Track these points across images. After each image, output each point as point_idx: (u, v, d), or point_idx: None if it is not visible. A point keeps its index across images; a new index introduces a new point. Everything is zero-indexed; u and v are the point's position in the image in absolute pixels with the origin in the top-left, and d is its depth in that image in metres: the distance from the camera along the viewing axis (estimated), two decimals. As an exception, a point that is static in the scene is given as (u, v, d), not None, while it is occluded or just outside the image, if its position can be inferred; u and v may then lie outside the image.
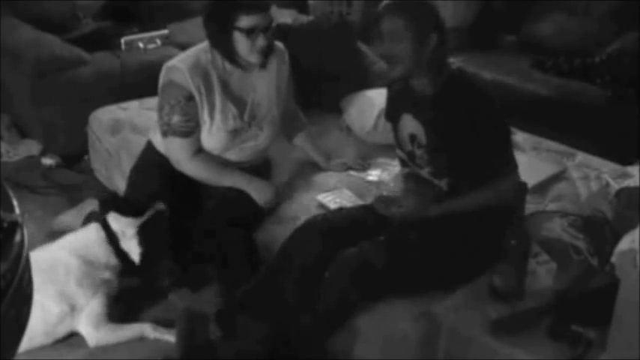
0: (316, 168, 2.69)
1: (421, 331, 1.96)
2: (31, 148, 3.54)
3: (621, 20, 3.81)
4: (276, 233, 2.30)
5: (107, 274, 2.28)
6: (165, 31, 3.80)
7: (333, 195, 2.47)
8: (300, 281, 2.06)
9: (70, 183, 3.28)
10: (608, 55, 3.62)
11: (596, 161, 2.78)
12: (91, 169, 3.22)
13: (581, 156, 2.83)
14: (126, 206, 2.35)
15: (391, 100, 2.24)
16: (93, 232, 2.31)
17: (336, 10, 3.81)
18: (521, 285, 1.88)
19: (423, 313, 1.96)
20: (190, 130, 2.35)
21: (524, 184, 2.08)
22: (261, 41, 2.27)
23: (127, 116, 3.07)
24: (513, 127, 2.14)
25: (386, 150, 2.70)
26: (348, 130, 3.01)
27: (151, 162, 2.53)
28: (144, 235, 2.30)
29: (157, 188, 2.47)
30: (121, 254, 2.29)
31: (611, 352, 1.62)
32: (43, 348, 2.20)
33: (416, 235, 2.05)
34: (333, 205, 2.39)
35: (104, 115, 3.11)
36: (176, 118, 2.33)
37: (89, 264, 2.25)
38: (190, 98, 2.31)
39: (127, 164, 2.68)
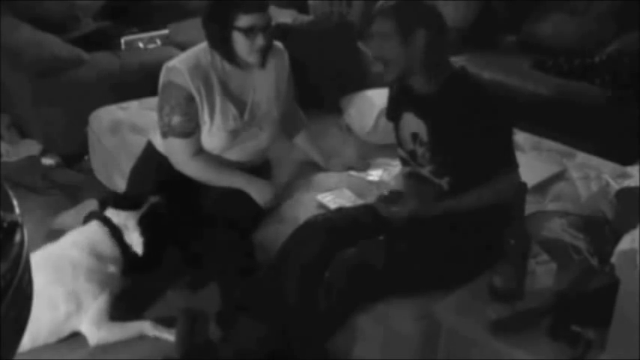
0: (316, 168, 2.69)
1: (421, 331, 1.96)
2: (31, 148, 3.54)
3: (621, 20, 3.81)
4: (276, 233, 2.30)
5: (113, 269, 2.29)
6: (165, 31, 3.80)
7: (333, 195, 2.47)
8: (301, 281, 2.06)
9: (70, 183, 3.28)
10: (608, 55, 3.62)
11: (596, 161, 2.78)
12: (91, 169, 3.22)
13: (581, 156, 2.83)
14: (123, 201, 2.39)
15: (392, 99, 2.24)
16: (96, 228, 2.33)
17: (336, 10, 3.80)
18: (521, 285, 1.88)
19: (423, 313, 1.96)
20: (190, 130, 2.35)
21: (524, 184, 2.08)
22: (260, 41, 2.27)
23: (127, 116, 3.07)
24: (514, 127, 2.14)
25: (386, 150, 2.71)
26: (348, 130, 3.01)
27: (151, 162, 2.53)
28: (144, 226, 2.32)
29: (156, 188, 2.47)
30: (125, 247, 2.31)
31: (611, 352, 1.62)
32: (45, 347, 2.20)
33: (416, 235, 2.06)
34: (333, 205, 2.39)
35: (104, 115, 3.11)
36: (176, 119, 2.33)
37: (97, 257, 2.27)
38: (190, 99, 2.31)
39: (127, 164, 2.68)
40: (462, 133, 1.95)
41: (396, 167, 2.43)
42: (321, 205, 2.43)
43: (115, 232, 2.31)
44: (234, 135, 2.40)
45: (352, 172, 2.66)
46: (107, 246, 2.30)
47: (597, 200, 2.32)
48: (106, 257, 2.29)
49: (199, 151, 2.40)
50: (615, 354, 1.60)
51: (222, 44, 2.30)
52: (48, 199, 3.14)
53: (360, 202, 2.40)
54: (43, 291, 2.11)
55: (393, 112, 2.21)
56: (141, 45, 3.68)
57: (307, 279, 2.06)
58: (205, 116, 2.35)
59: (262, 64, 2.38)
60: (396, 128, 2.19)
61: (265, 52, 2.34)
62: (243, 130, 2.41)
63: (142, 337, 2.27)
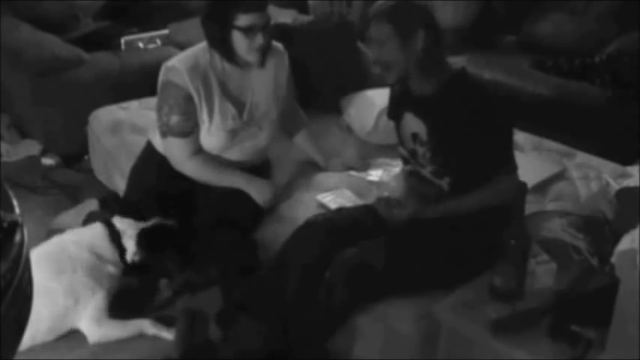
0: (316, 168, 2.69)
1: (421, 331, 1.96)
2: (31, 148, 3.54)
3: (621, 20, 3.81)
4: (276, 233, 2.30)
5: (112, 269, 2.30)
6: (165, 31, 3.80)
7: (333, 195, 2.47)
8: (300, 281, 2.06)
9: (70, 183, 3.28)
10: (608, 55, 3.62)
11: (596, 161, 2.78)
12: (91, 169, 3.22)
13: (581, 156, 2.83)
14: (129, 209, 2.40)
15: (393, 99, 2.24)
16: (98, 229, 2.35)
17: (336, 10, 3.80)
18: (521, 285, 1.88)
19: (423, 313, 1.96)
20: (189, 130, 2.35)
21: (524, 184, 2.08)
22: (259, 40, 2.27)
23: (127, 116, 3.07)
24: (514, 127, 2.14)
25: (386, 150, 2.71)
26: (348, 130, 3.01)
27: (151, 162, 2.54)
28: (142, 239, 2.33)
29: (156, 188, 2.48)
30: (123, 251, 2.32)
31: (611, 352, 1.62)
32: (45, 347, 2.20)
33: (416, 235, 2.06)
34: (333, 205, 2.39)
35: (104, 115, 3.11)
36: (175, 119, 2.33)
37: (97, 256, 2.28)
38: (189, 98, 2.32)
39: (127, 164, 2.68)
40: (462, 133, 1.95)
41: (396, 167, 2.43)
42: (321, 205, 2.43)
43: (115, 236, 2.32)
44: (233, 135, 2.40)
45: (352, 172, 2.66)
46: (107, 248, 2.31)
47: (597, 200, 2.31)
48: (106, 258, 2.30)
49: (198, 151, 2.40)
50: (615, 354, 1.60)
51: (221, 43, 2.30)
52: (48, 199, 3.14)
53: (360, 202, 2.40)
54: (42, 285, 2.12)
55: (394, 111, 2.21)
56: (141, 45, 3.67)
57: (307, 279, 2.06)
58: (204, 116, 2.35)
59: (261, 63, 2.38)
60: (397, 127, 2.19)
61: (264, 52, 2.34)
62: (242, 129, 2.41)
63: (142, 337, 2.26)
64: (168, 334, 2.25)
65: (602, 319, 1.64)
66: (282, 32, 2.98)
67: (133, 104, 3.17)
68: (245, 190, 2.40)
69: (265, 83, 2.44)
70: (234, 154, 2.45)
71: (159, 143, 2.48)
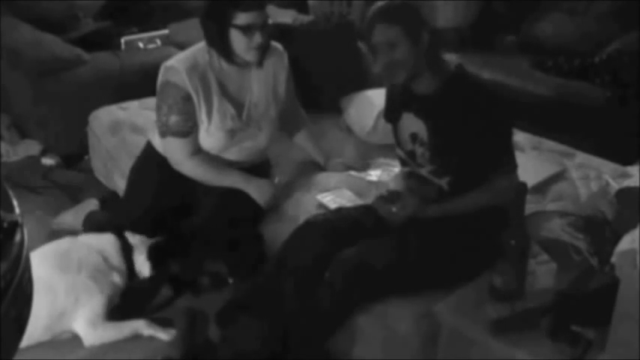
0: (316, 168, 2.69)
1: (421, 331, 1.96)
2: (31, 148, 3.54)
3: (621, 20, 3.81)
4: (276, 233, 2.30)
5: (117, 278, 2.31)
6: (165, 31, 3.80)
7: (333, 195, 2.47)
8: (300, 282, 2.06)
9: (70, 183, 3.28)
10: (608, 55, 3.62)
11: (596, 161, 2.77)
12: (91, 169, 3.22)
13: (581, 156, 2.83)
14: (140, 226, 2.43)
15: (391, 100, 2.24)
16: (111, 239, 2.37)
17: (336, 10, 3.80)
18: (521, 285, 1.88)
19: (423, 313, 1.96)
20: (188, 130, 2.35)
21: (524, 184, 2.08)
22: (257, 39, 2.28)
23: (127, 116, 3.07)
24: (514, 127, 2.14)
25: (386, 150, 2.70)
26: (348, 130, 3.01)
27: (151, 162, 2.53)
28: (152, 253, 2.36)
29: (156, 188, 2.48)
30: (131, 264, 2.34)
31: (611, 352, 1.62)
32: (44, 347, 2.19)
33: (416, 235, 2.05)
34: (333, 205, 2.39)
35: (104, 115, 3.11)
36: (174, 119, 2.33)
37: (105, 262, 2.29)
38: (188, 98, 2.32)
39: (127, 164, 2.68)
40: (462, 132, 1.95)
41: (395, 167, 2.43)
42: (321, 205, 2.43)
43: (126, 248, 2.35)
44: (232, 135, 2.40)
45: (352, 172, 2.66)
46: (116, 257, 2.33)
47: (597, 200, 2.31)
48: (112, 265, 2.31)
49: (198, 151, 2.40)
50: (615, 354, 1.60)
51: (220, 42, 2.30)
52: (48, 199, 3.14)
53: (360, 202, 2.40)
54: (45, 282, 2.13)
55: (392, 112, 2.21)
56: (141, 45, 3.67)
57: (306, 279, 2.06)
58: (203, 116, 2.35)
59: (260, 62, 2.38)
60: (395, 129, 2.19)
61: (263, 51, 2.34)
62: (241, 130, 2.41)
63: (140, 337, 2.26)
64: (163, 335, 2.25)
65: (602, 319, 1.64)
66: (282, 32, 2.98)
67: (133, 104, 3.17)
68: (245, 190, 2.40)
69: (264, 83, 2.44)
70: (233, 154, 2.45)
71: (159, 143, 2.48)
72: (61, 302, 2.19)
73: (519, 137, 2.89)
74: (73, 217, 2.81)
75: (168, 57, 2.46)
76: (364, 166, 2.70)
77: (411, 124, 2.09)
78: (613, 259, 1.78)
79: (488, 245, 1.95)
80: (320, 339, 2.07)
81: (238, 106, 2.40)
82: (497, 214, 1.96)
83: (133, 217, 2.47)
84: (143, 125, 2.91)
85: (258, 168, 2.54)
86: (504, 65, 3.83)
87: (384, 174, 2.60)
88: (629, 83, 3.42)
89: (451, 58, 2.11)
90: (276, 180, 2.57)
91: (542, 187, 2.54)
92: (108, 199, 2.91)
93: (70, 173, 3.39)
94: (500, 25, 4.26)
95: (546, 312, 1.80)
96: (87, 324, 2.22)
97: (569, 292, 1.83)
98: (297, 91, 2.66)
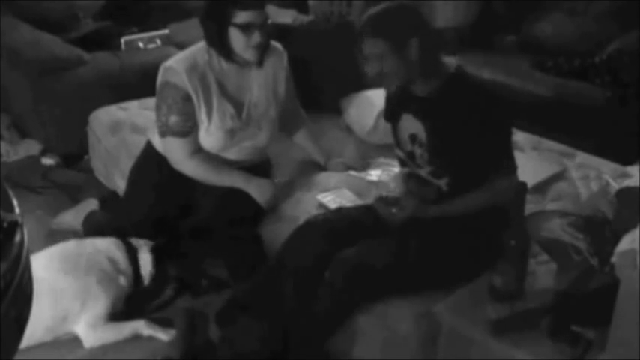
0: (316, 168, 2.69)
1: (421, 331, 1.96)
2: (31, 148, 3.54)
3: (621, 20, 3.81)
4: (276, 233, 2.30)
5: (123, 281, 2.31)
6: (165, 31, 3.79)
7: (333, 195, 2.47)
8: (299, 282, 2.06)
9: (70, 183, 3.28)
10: (608, 55, 3.62)
11: (596, 161, 2.77)
12: (91, 169, 3.22)
13: (581, 156, 2.83)
14: (142, 226, 2.44)
15: (390, 101, 2.24)
16: (117, 242, 2.37)
17: (336, 10, 3.79)
18: (521, 285, 1.88)
19: (423, 313, 1.96)
20: (188, 130, 2.36)
21: (524, 184, 2.08)
22: (256, 37, 2.28)
23: (127, 116, 3.07)
24: (513, 127, 2.14)
25: (386, 150, 2.70)
26: (348, 130, 3.01)
27: (151, 162, 2.54)
28: (158, 252, 2.38)
29: (156, 188, 2.48)
30: (137, 266, 2.35)
31: (611, 352, 1.62)
32: (44, 347, 2.19)
33: (416, 235, 2.05)
34: (333, 205, 2.39)
35: (104, 115, 3.11)
36: (173, 119, 2.33)
37: (112, 264, 2.30)
38: (187, 98, 2.32)
39: (127, 164, 2.69)
40: (461, 133, 1.95)
41: (395, 167, 2.43)
42: (321, 205, 2.43)
43: (131, 250, 2.35)
44: (232, 134, 2.40)
45: (352, 172, 2.66)
46: (123, 261, 2.33)
47: (597, 200, 2.31)
48: (120, 268, 2.32)
49: (198, 151, 2.40)
50: (615, 354, 1.60)
51: (219, 41, 2.31)
52: (48, 199, 3.14)
53: (360, 202, 2.40)
54: (50, 284, 2.13)
55: (391, 113, 2.21)
56: (141, 45, 3.67)
57: (306, 280, 2.06)
58: (202, 116, 2.35)
59: (259, 61, 2.38)
60: (394, 129, 2.19)
61: (262, 50, 2.34)
62: (241, 129, 2.42)
63: (140, 337, 2.26)
64: (163, 335, 2.25)
65: (602, 319, 1.64)
66: (282, 32, 2.98)
67: (133, 104, 3.17)
68: (245, 190, 2.40)
69: (264, 83, 2.45)
70: (233, 154, 2.45)
71: (158, 143, 2.48)
72: (67, 304, 2.19)
73: (519, 137, 2.89)
74: (73, 217, 2.81)
75: (168, 57, 2.46)
76: (364, 166, 2.70)
77: (410, 125, 2.09)
78: (613, 259, 1.77)
79: (488, 245, 1.95)
80: (320, 339, 2.07)
81: (238, 105, 2.40)
82: (497, 214, 1.96)
83: (133, 218, 2.47)
84: (143, 125, 2.91)
85: (259, 168, 2.54)
86: (504, 65, 3.83)
87: (384, 174, 2.60)
88: (629, 83, 3.42)
89: (451, 61, 2.10)
90: (277, 180, 2.58)
91: (542, 187, 2.54)
92: (108, 199, 2.91)
93: (69, 173, 3.39)
94: (500, 25, 4.26)
95: (546, 312, 1.80)
96: (88, 326, 2.22)
97: (569, 292, 1.83)
98: (297, 91, 2.66)
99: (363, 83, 3.10)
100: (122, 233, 2.41)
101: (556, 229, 2.11)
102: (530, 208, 2.23)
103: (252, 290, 2.21)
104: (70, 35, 3.58)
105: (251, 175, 2.45)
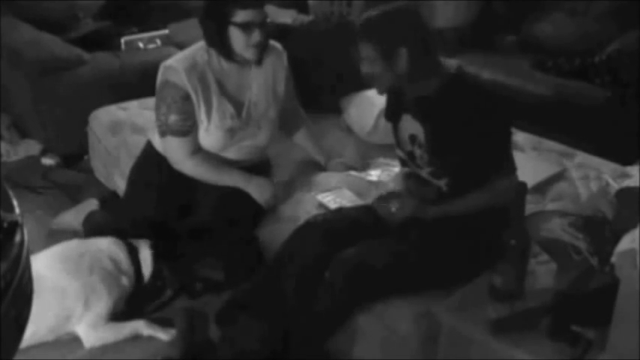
0: (316, 168, 2.69)
1: (421, 331, 1.96)
2: (31, 148, 3.54)
3: (621, 20, 3.81)
4: (276, 233, 2.30)
5: (126, 282, 2.31)
6: (165, 31, 3.79)
7: (333, 195, 2.47)
8: (299, 282, 2.06)
9: (70, 183, 3.28)
10: (608, 55, 3.62)
11: (596, 161, 2.77)
12: (91, 169, 3.22)
13: (581, 156, 2.83)
14: (142, 226, 2.44)
15: (390, 101, 2.24)
16: (118, 242, 2.38)
17: (336, 10, 3.80)
18: (521, 285, 1.88)
19: (423, 313, 1.96)
20: (188, 129, 2.36)
21: (524, 184, 2.08)
22: (256, 36, 2.28)
23: (127, 116, 3.07)
24: (513, 127, 2.13)
25: (386, 150, 2.70)
26: (348, 130, 3.01)
27: (151, 161, 2.54)
28: (159, 249, 2.39)
29: (156, 188, 2.48)
30: (138, 265, 2.35)
31: (611, 352, 1.62)
32: (45, 347, 2.19)
33: (415, 236, 2.06)
34: (333, 205, 2.39)
35: (104, 115, 3.11)
36: (173, 118, 2.33)
37: (115, 264, 2.30)
38: (187, 98, 2.32)
39: (127, 164, 2.69)
40: (460, 135, 1.95)
41: (395, 167, 2.43)
42: (321, 205, 2.43)
43: (132, 250, 2.36)
44: (232, 134, 2.40)
45: (352, 172, 2.66)
46: (125, 261, 2.34)
47: (597, 200, 2.31)
48: (122, 268, 2.32)
49: (197, 150, 2.40)
50: (615, 354, 1.60)
51: (218, 40, 2.31)
52: (48, 199, 3.14)
53: (360, 202, 2.40)
54: (54, 284, 2.13)
55: (392, 113, 2.21)
56: (141, 45, 3.67)
57: (306, 280, 2.06)
58: (202, 115, 2.35)
59: (258, 60, 2.38)
60: (395, 129, 2.19)
61: (262, 49, 2.35)
62: (241, 129, 2.42)
63: (140, 337, 2.26)
64: (163, 335, 2.25)
65: (602, 319, 1.64)
66: (282, 32, 2.98)
67: (133, 104, 3.17)
68: (245, 190, 2.40)
69: (263, 82, 2.45)
70: (233, 153, 2.45)
71: (158, 143, 2.48)
72: (70, 304, 2.19)
73: (519, 137, 2.89)
74: (72, 217, 2.81)
75: (168, 57, 2.46)
76: (364, 166, 2.70)
77: (410, 125, 2.09)
78: (613, 259, 1.78)
79: (488, 245, 1.95)
80: (320, 339, 2.07)
81: (238, 105, 2.41)
82: (497, 214, 1.96)
83: (133, 218, 2.47)
84: (143, 125, 2.91)
85: (259, 167, 2.54)
86: (504, 65, 3.83)
87: (384, 174, 2.60)
88: (629, 83, 3.42)
89: (451, 62, 2.10)
90: (277, 180, 2.58)
91: (542, 187, 2.54)
92: (108, 199, 2.91)
93: (69, 173, 3.39)
94: (500, 25, 4.26)
95: (546, 312, 1.80)
96: (88, 326, 2.22)
97: (569, 292, 1.83)
98: (297, 91, 2.66)
99: (363, 83, 3.09)
100: (122, 233, 2.41)
101: (556, 229, 2.11)
102: (530, 208, 2.24)
103: (252, 290, 2.21)
104: (70, 35, 3.58)
105: (251, 174, 2.45)
